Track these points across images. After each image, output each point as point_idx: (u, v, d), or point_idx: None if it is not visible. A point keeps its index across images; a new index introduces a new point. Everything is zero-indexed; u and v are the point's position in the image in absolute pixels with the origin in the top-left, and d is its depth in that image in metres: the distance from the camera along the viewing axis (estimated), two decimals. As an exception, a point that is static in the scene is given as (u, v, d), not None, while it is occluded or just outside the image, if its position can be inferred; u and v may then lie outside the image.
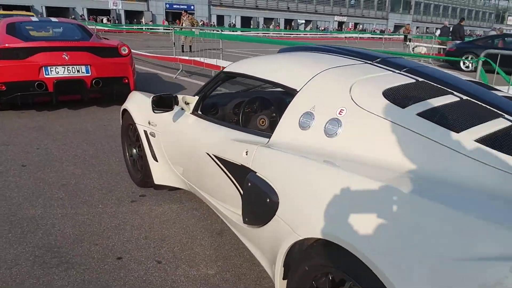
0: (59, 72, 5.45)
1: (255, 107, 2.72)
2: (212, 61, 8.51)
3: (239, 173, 1.95)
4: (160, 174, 2.93)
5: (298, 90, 1.90)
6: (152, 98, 2.42)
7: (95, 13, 40.47)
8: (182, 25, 15.62)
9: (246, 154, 1.88)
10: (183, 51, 13.29)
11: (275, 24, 57.53)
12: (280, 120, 1.90)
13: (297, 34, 40.01)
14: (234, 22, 52.97)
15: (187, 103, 2.54)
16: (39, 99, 5.57)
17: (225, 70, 2.47)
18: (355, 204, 1.32)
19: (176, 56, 9.66)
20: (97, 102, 6.46)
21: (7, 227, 2.61)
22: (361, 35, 38.37)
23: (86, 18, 37.41)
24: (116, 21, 40.55)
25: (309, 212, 1.46)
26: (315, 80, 1.88)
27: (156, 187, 3.09)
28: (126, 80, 6.04)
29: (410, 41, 16.43)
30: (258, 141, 1.94)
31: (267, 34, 35.00)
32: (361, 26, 66.27)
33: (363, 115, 1.62)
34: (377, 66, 2.02)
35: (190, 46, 13.41)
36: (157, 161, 2.92)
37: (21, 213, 2.80)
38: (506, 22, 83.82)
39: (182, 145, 2.53)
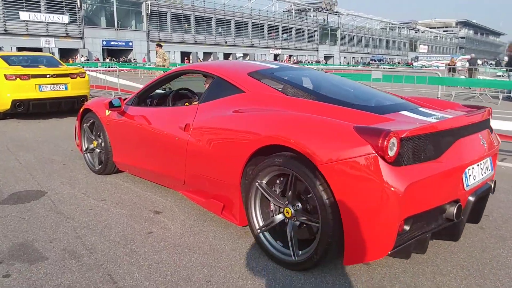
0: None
1: None
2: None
3: None
4: None
5: None
6: None
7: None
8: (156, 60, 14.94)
9: None
10: None
11: (214, 58, 55.62)
12: None
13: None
14: (174, 57, 49.89)
15: None
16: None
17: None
18: None
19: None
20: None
21: None
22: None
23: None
24: (50, 60, 35.09)
25: None
26: None
27: None
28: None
29: (455, 72, 15.41)
30: None
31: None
32: (295, 57, 67.13)
33: None
34: None
35: None
36: None
37: None
38: (418, 50, 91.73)
39: None
